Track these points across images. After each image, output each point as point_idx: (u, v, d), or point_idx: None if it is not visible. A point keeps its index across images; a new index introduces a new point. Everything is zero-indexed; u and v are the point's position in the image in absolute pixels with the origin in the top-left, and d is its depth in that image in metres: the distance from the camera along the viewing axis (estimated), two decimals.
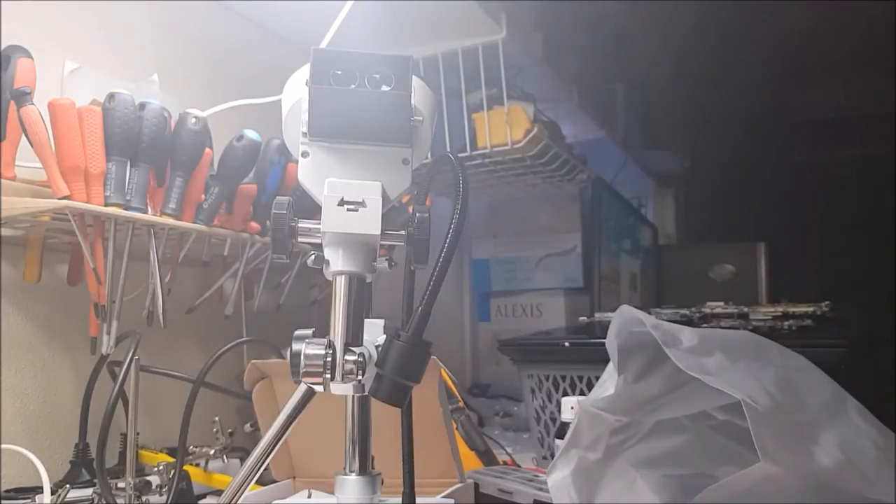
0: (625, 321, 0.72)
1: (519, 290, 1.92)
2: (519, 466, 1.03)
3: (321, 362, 0.54)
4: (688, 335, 0.70)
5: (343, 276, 0.56)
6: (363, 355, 0.55)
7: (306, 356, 0.54)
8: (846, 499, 0.59)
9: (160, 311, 0.89)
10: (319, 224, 0.55)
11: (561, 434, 0.86)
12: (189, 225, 0.91)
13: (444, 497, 0.79)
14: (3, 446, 0.81)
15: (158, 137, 0.86)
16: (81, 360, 0.94)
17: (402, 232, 0.56)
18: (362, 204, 0.55)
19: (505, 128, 1.30)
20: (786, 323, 1.08)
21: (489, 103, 1.31)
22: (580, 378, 1.05)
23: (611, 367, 0.74)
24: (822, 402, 0.69)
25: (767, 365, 0.72)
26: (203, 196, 0.93)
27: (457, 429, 1.02)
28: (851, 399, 0.72)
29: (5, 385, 0.89)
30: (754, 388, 0.65)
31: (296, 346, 0.54)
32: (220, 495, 0.75)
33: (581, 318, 1.40)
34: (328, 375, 0.54)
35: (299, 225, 0.56)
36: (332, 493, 0.62)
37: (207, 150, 0.92)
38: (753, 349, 0.75)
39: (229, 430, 0.97)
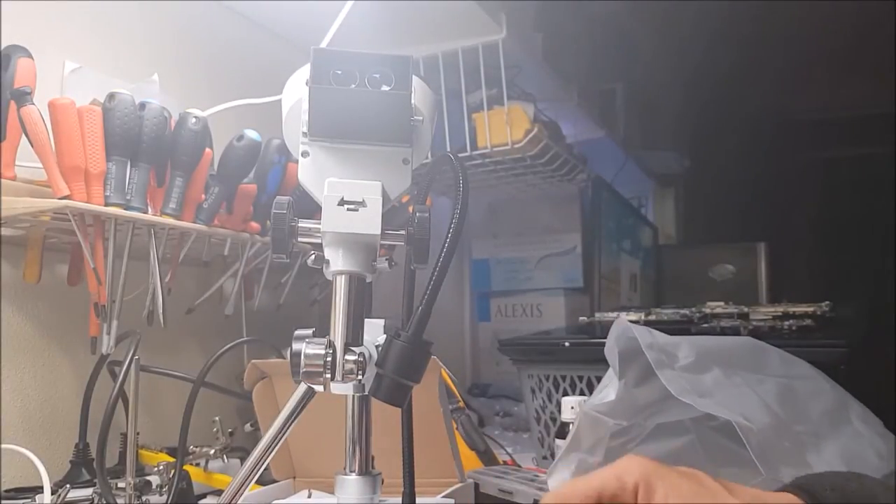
0: (622, 331, 0.72)
1: (519, 290, 1.92)
2: (519, 466, 1.03)
3: (321, 362, 0.54)
4: (685, 350, 0.70)
5: (343, 276, 0.56)
6: (363, 355, 0.55)
7: (306, 356, 0.54)
8: None
9: (160, 311, 0.89)
10: (319, 224, 0.55)
11: (561, 434, 0.86)
12: (189, 225, 0.91)
13: (444, 497, 0.79)
14: (3, 446, 0.81)
15: (158, 137, 0.86)
16: (81, 360, 0.94)
17: (402, 232, 0.56)
18: (362, 204, 0.55)
19: (505, 128, 1.30)
20: (786, 323, 1.08)
21: (489, 103, 1.31)
22: (580, 378, 1.05)
23: (611, 371, 0.74)
24: (824, 411, 0.69)
25: (768, 376, 0.72)
26: (203, 196, 0.93)
27: (457, 429, 1.02)
28: (855, 404, 0.72)
29: (5, 385, 0.89)
30: (752, 405, 0.65)
31: (296, 346, 0.54)
32: (220, 495, 0.75)
33: (581, 318, 1.40)
34: (328, 375, 0.54)
35: (299, 225, 0.56)
36: (332, 493, 0.62)
37: (207, 150, 0.92)
38: (754, 359, 0.75)
39: (229, 430, 0.97)
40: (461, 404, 1.10)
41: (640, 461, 0.42)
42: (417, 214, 0.56)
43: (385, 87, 0.56)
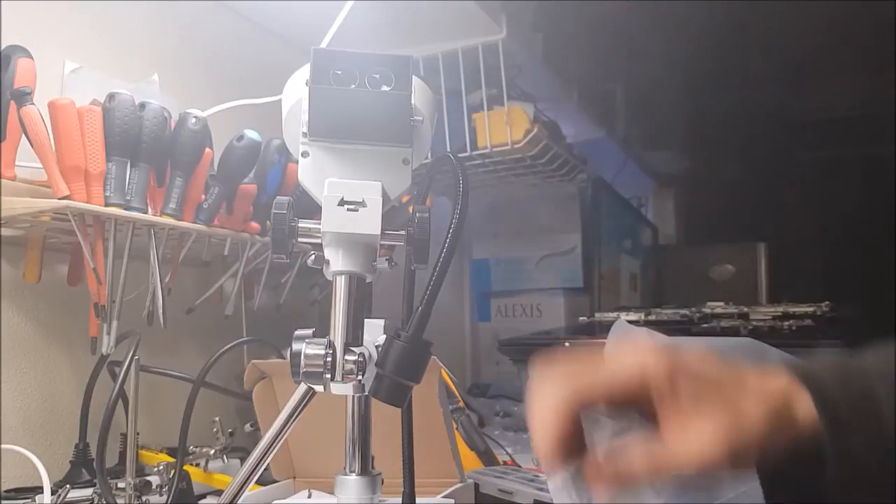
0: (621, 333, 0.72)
1: (519, 290, 1.92)
2: (519, 466, 1.03)
3: (321, 362, 0.54)
4: None
5: (343, 276, 0.56)
6: (363, 355, 0.55)
7: (306, 356, 0.54)
8: None
9: (160, 311, 0.89)
10: (319, 224, 0.55)
11: None
12: (189, 225, 0.91)
13: (444, 497, 0.79)
14: (3, 446, 0.81)
15: (158, 137, 0.86)
16: (81, 360, 0.94)
17: (402, 232, 0.56)
18: (362, 204, 0.55)
19: (505, 128, 1.30)
20: (786, 323, 1.09)
21: (489, 103, 1.31)
22: None
23: None
24: None
25: None
26: (203, 196, 0.93)
27: (457, 429, 1.02)
28: None
29: (5, 385, 0.89)
30: None
31: (296, 346, 0.54)
32: (220, 495, 0.75)
33: (581, 318, 1.40)
34: (328, 375, 0.54)
35: (299, 225, 0.56)
36: (332, 493, 0.62)
37: (207, 150, 0.92)
38: (754, 361, 0.75)
39: (229, 430, 0.97)
40: (461, 404, 1.10)
41: (659, 355, 0.42)
42: (417, 214, 0.56)
43: (385, 87, 0.56)
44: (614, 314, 1.24)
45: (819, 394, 0.42)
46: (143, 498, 0.82)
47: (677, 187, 2.55)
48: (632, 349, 0.44)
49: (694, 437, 0.41)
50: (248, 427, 1.07)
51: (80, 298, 0.90)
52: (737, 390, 0.43)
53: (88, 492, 0.83)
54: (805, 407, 0.42)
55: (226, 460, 0.96)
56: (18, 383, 0.91)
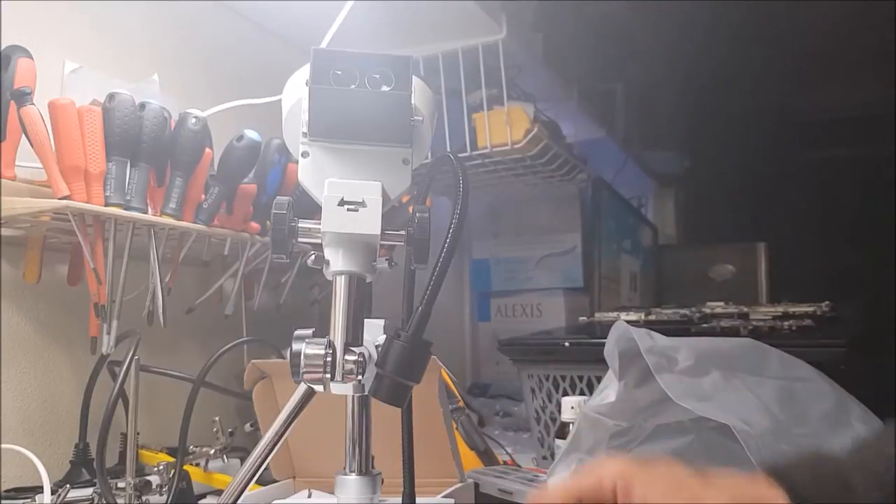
0: (621, 333, 0.73)
1: (519, 290, 1.92)
2: (519, 466, 1.03)
3: (321, 362, 0.54)
4: (684, 353, 0.70)
5: (343, 276, 0.56)
6: (363, 355, 0.55)
7: (306, 356, 0.54)
8: None
9: (160, 310, 0.89)
10: (319, 224, 0.55)
11: (561, 434, 0.86)
12: (189, 225, 0.91)
13: (444, 497, 0.79)
14: (3, 446, 0.81)
15: (158, 137, 0.86)
16: (81, 360, 0.94)
17: (402, 232, 0.56)
18: (362, 204, 0.55)
19: (505, 128, 1.30)
20: (786, 323, 1.08)
21: (489, 103, 1.31)
22: (580, 378, 1.05)
23: (611, 372, 0.74)
24: (824, 414, 0.70)
25: (767, 378, 0.72)
26: (203, 196, 0.93)
27: (457, 429, 1.02)
28: (855, 406, 0.72)
29: (5, 385, 0.89)
30: (751, 408, 0.65)
31: (296, 346, 0.54)
32: (220, 495, 0.75)
33: (581, 318, 1.40)
34: (328, 375, 0.54)
35: (299, 225, 0.56)
36: (332, 493, 0.62)
37: (207, 150, 0.92)
38: (754, 361, 0.75)
39: (229, 430, 0.97)
40: (461, 404, 1.10)
41: (618, 462, 0.45)
42: (417, 214, 0.56)
43: (385, 88, 0.56)
44: (614, 314, 1.24)
45: (791, 488, 0.43)
46: (143, 498, 0.82)
47: (677, 187, 2.55)
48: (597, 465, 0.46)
49: None
50: (248, 427, 1.07)
51: (80, 298, 0.90)
52: (702, 486, 0.43)
53: (88, 492, 0.83)
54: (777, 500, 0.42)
55: (226, 460, 0.96)
56: (18, 383, 0.91)
